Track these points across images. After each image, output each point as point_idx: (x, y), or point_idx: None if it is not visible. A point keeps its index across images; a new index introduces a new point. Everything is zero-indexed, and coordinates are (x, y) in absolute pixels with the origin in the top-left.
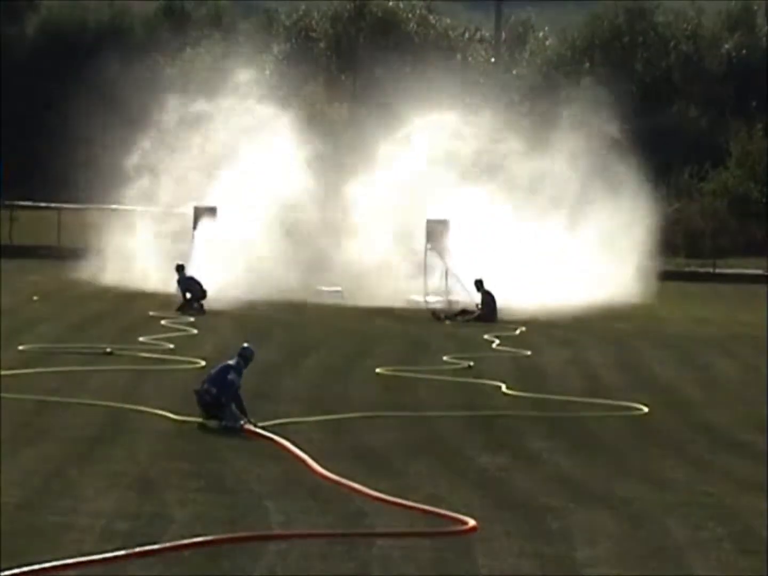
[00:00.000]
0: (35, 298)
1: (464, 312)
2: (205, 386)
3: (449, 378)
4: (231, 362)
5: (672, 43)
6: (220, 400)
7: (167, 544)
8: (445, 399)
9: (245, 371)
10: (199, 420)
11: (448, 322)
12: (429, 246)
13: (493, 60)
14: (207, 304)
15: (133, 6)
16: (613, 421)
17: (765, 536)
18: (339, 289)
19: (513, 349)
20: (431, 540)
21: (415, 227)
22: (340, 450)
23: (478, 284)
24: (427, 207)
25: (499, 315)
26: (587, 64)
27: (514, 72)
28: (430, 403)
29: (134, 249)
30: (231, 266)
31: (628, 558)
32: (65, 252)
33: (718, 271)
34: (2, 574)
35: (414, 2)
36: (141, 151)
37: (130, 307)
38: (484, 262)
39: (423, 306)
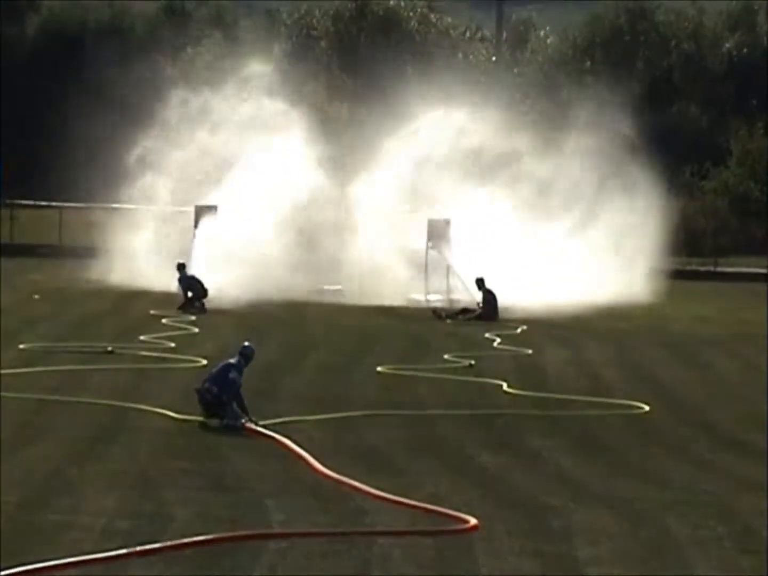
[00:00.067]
0: (36, 296)
1: (465, 311)
2: (206, 385)
3: (450, 377)
4: (232, 361)
5: (673, 43)
6: (221, 398)
7: (168, 543)
8: (446, 398)
9: (246, 370)
10: (200, 419)
11: (449, 320)
12: (430, 245)
13: (494, 59)
14: (208, 302)
15: (133, 6)
16: (614, 420)
17: (765, 535)
18: (340, 287)
19: (514, 348)
20: (432, 539)
21: (416, 226)
22: (341, 448)
23: (479, 283)
24: (428, 206)
25: (500, 314)
26: (588, 64)
27: (515, 71)
28: (431, 401)
29: (135, 248)
30: (232, 265)
31: (628, 557)
32: (66, 251)
33: (718, 269)
34: (2, 573)
35: (415, 1)
36: (142, 149)
37: (131, 305)
38: (485, 261)
39: (424, 305)
